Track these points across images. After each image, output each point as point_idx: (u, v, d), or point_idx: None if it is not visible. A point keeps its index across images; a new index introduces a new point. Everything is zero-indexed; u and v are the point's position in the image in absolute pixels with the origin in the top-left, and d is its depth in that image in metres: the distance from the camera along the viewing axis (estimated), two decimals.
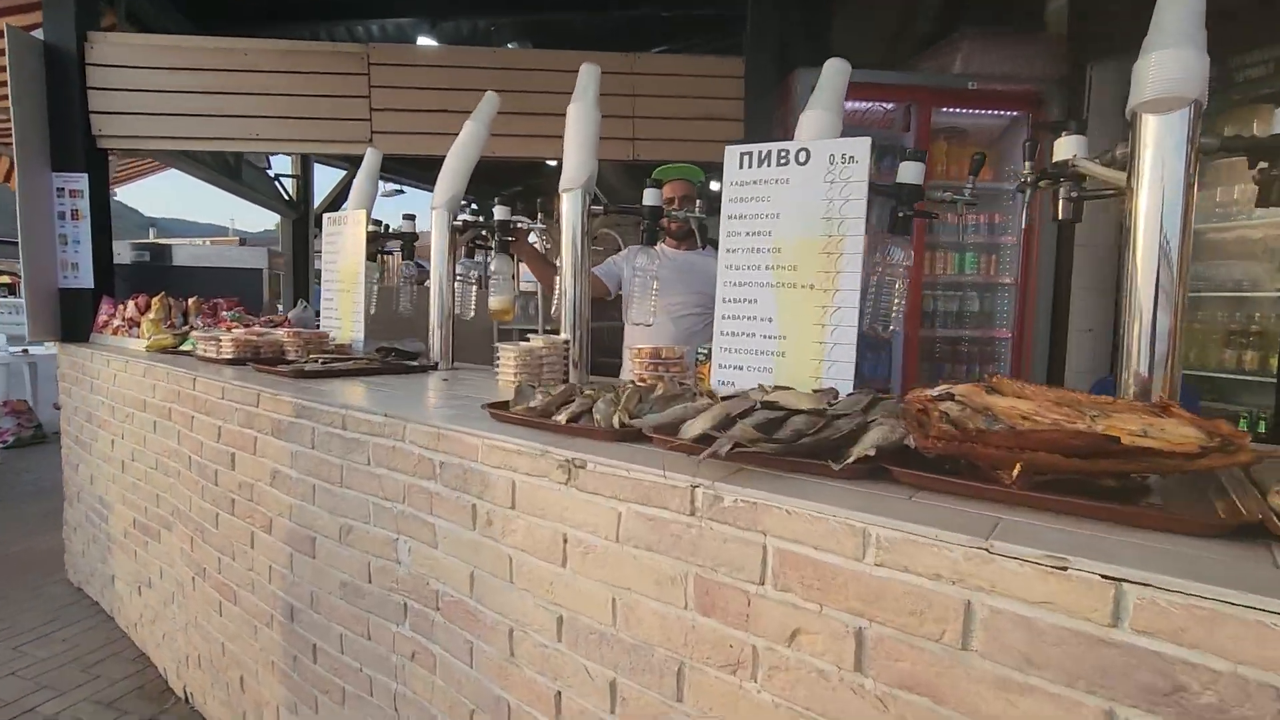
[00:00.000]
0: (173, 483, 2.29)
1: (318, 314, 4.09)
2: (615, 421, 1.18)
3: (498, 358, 1.91)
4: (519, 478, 1.16)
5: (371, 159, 2.85)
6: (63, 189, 3.25)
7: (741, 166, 1.59)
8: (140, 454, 2.49)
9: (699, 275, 2.49)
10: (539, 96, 3.31)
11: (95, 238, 3.34)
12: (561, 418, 1.21)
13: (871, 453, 0.88)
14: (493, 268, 2.40)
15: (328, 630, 1.61)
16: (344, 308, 2.71)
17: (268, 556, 1.81)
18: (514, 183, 9.79)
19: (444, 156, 2.40)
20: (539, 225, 2.37)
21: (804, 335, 1.50)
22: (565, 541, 1.08)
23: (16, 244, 3.15)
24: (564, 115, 1.95)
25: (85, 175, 3.27)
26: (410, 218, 2.87)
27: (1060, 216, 1.38)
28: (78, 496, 3.16)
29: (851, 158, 1.45)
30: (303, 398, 1.66)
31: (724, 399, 1.24)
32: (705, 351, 1.71)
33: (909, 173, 1.54)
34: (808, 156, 1.51)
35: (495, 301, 2.39)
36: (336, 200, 7.67)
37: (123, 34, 3.57)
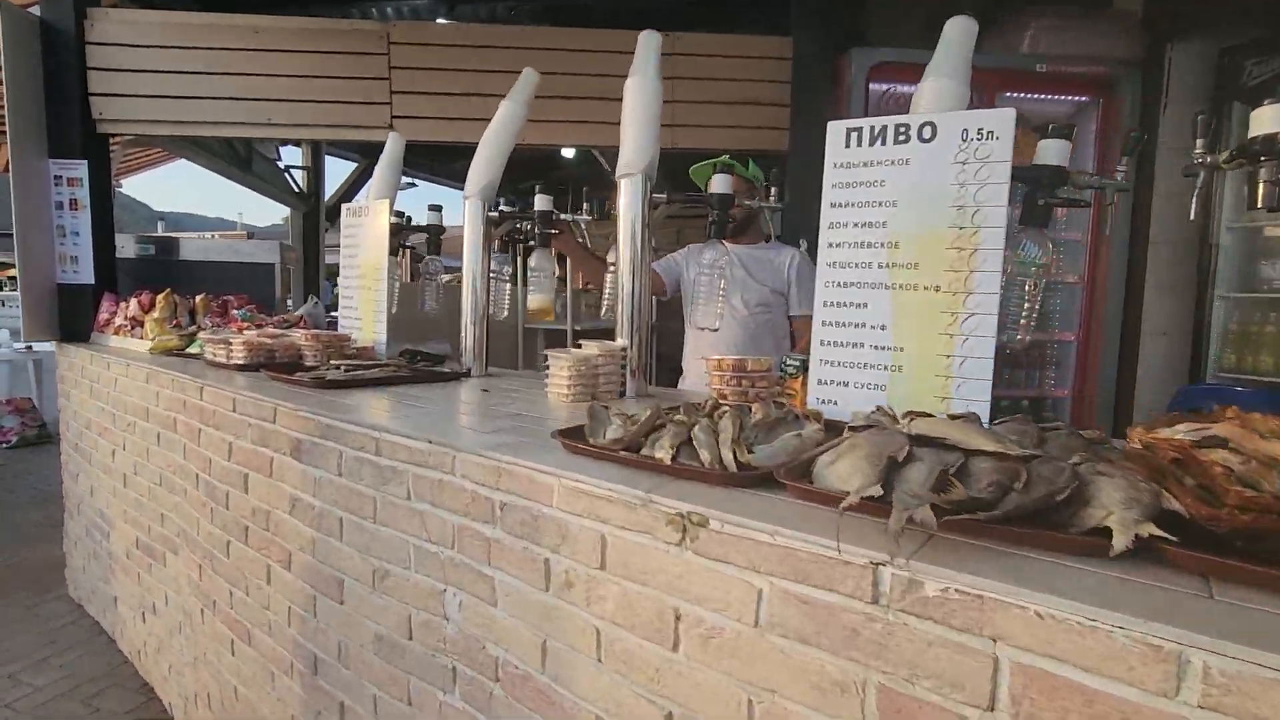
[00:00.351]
0: (178, 501, 2.07)
1: (329, 309, 3.86)
2: (729, 460, 0.94)
3: (546, 366, 1.67)
4: (611, 532, 0.92)
5: (394, 145, 2.61)
6: (60, 177, 3.02)
7: (849, 145, 1.34)
8: (143, 468, 2.27)
9: (767, 272, 2.25)
10: (568, 79, 3.07)
11: (96, 230, 3.11)
12: (661, 454, 0.96)
13: (1151, 530, 0.63)
14: (533, 264, 2.16)
15: (358, 689, 1.38)
16: (365, 306, 2.47)
17: (286, 596, 1.58)
18: (528, 177, 9.54)
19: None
20: (586, 217, 2.12)
21: (926, 346, 1.25)
22: (677, 619, 0.84)
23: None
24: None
25: (84, 163, 3.04)
26: (437, 209, 2.63)
27: (1261, 204, 1.12)
28: (78, 509, 2.94)
29: (990, 133, 1.20)
30: (327, 414, 1.42)
31: (852, 429, 1.00)
32: (795, 363, 1.47)
33: (1052, 152, 1.29)
34: (934, 132, 1.26)
35: (535, 300, 2.15)
36: (348, 193, 7.44)
37: (125, 10, 3.33)
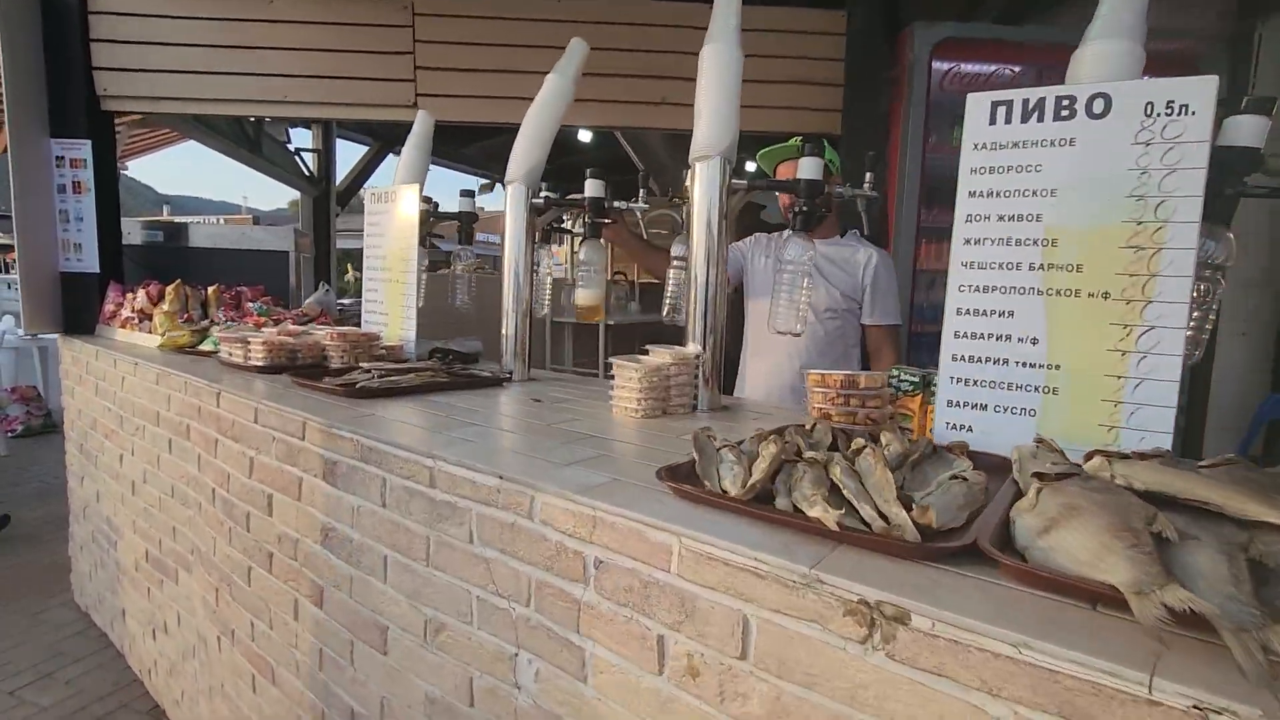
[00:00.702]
0: (192, 516, 1.88)
1: (340, 296, 3.65)
2: (902, 521, 0.73)
3: (611, 376, 1.47)
4: (757, 614, 0.71)
5: (423, 124, 2.39)
6: (62, 158, 2.80)
7: (994, 121, 1.12)
8: (153, 476, 2.08)
9: (842, 273, 2.02)
10: (606, 55, 2.84)
11: (101, 215, 2.91)
12: (818, 512, 0.75)
13: None
14: (582, 257, 1.95)
15: None
16: (392, 301, 2.27)
17: (318, 637, 1.39)
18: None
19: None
20: (642, 205, 1.91)
21: (1091, 365, 1.04)
22: None
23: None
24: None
25: (88, 142, 2.83)
26: (469, 194, 2.41)
27: None
28: (84, 512, 2.76)
29: (1184, 108, 0.99)
30: (366, 434, 1.22)
31: (1040, 476, 0.79)
32: (913, 379, 1.26)
33: (1245, 131, 1.07)
34: (1107, 106, 1.04)
35: (585, 297, 1.94)
36: (359, 177, 7.22)
37: None
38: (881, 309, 2.06)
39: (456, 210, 2.42)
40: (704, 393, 1.53)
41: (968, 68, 3.00)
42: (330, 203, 6.80)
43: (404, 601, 1.16)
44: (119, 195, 3.04)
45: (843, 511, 0.74)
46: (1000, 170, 1.11)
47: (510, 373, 1.94)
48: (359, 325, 2.34)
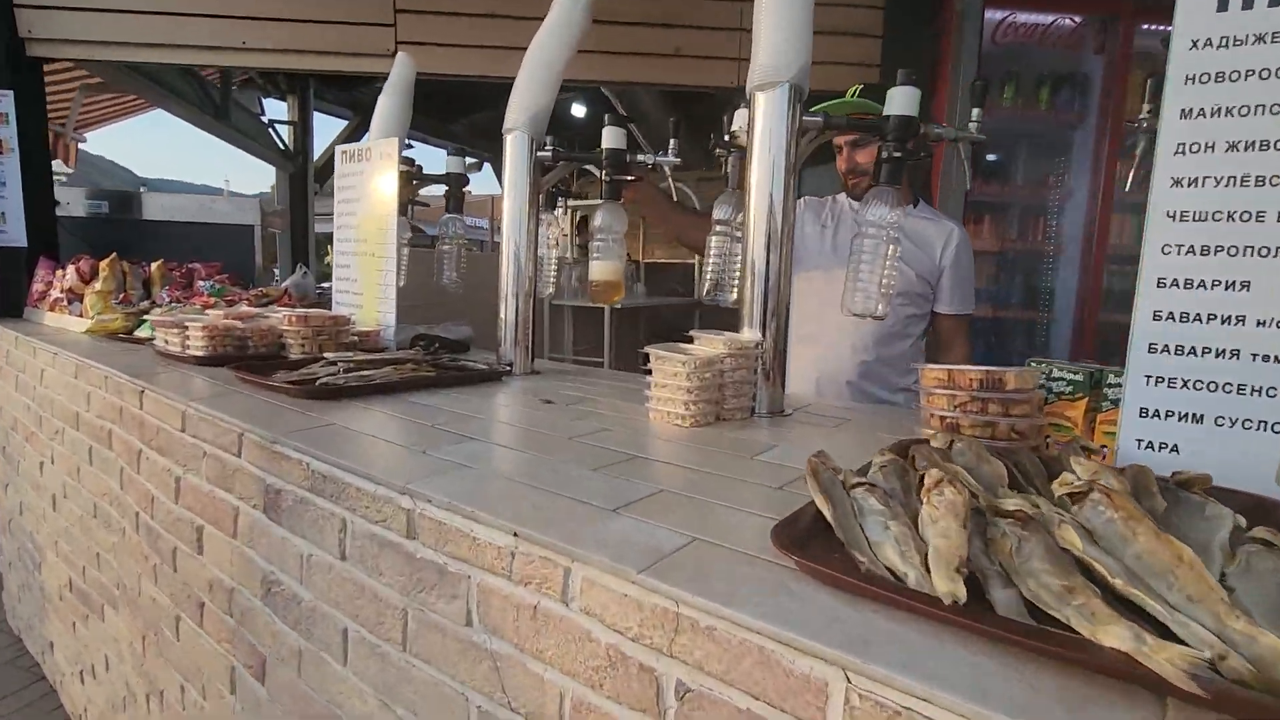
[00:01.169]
0: (116, 543, 1.52)
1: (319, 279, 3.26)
2: (1241, 669, 0.39)
3: (647, 370, 1.12)
4: None
5: (404, 69, 2.02)
6: None
7: (1224, 7, 0.77)
8: (74, 490, 1.71)
9: (917, 250, 1.68)
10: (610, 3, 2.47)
11: (30, 179, 2.51)
12: (1116, 640, 0.41)
13: None
14: (598, 223, 1.59)
15: None
16: (367, 279, 1.91)
17: (261, 719, 1.04)
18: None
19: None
20: (671, 158, 1.55)
21: None
22: None
23: None
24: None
25: (10, 94, 2.42)
26: (460, 153, 2.05)
27: None
28: (9, 525, 2.38)
29: None
30: (318, 454, 0.87)
31: None
32: (1075, 377, 0.92)
33: None
34: None
35: (601, 271, 1.59)
36: None
37: None
38: (961, 295, 1.72)
39: (444, 172, 2.05)
40: (765, 389, 1.19)
41: (1025, 17, 2.66)
42: (308, 180, 6.35)
43: (371, 696, 0.82)
44: (50, 157, 2.64)
45: (1163, 649, 0.40)
46: (1228, 79, 0.77)
47: (510, 365, 1.59)
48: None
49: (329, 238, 2.07)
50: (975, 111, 1.22)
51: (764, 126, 1.17)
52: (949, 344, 1.78)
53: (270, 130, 6.10)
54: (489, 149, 7.13)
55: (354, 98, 6.37)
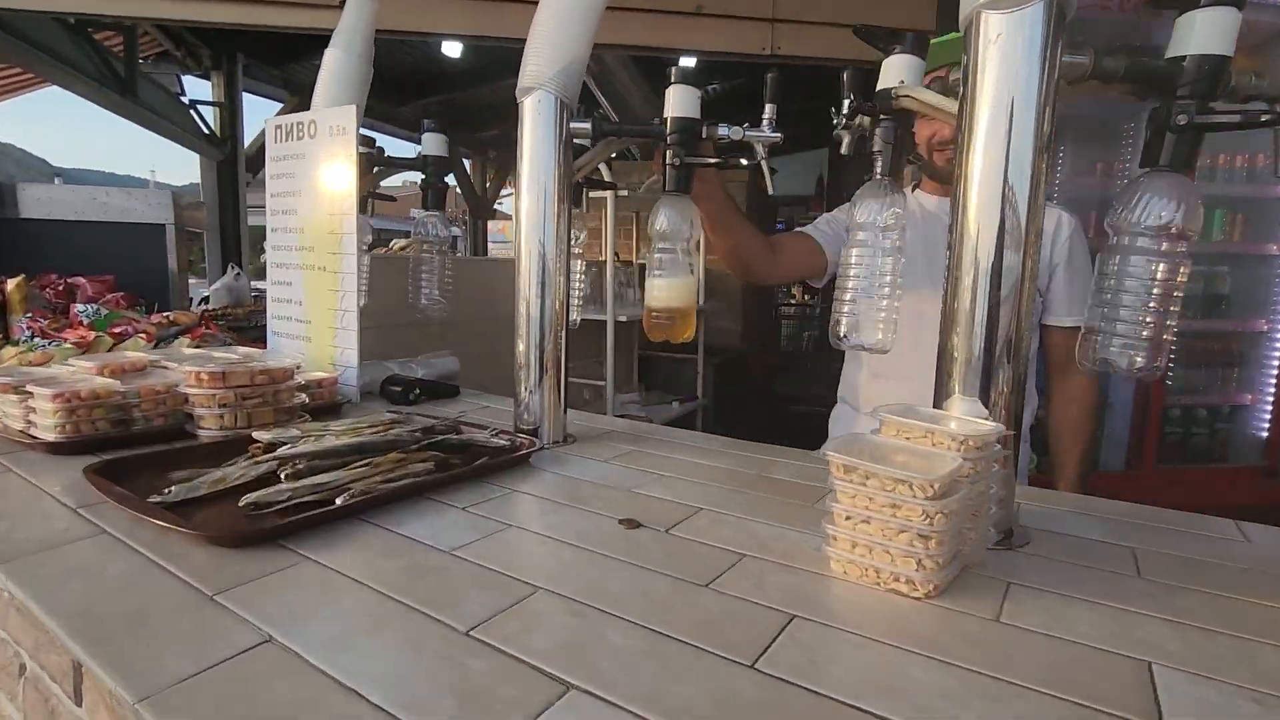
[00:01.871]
0: None
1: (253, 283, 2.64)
2: None
3: (832, 486, 0.65)
4: None
5: (359, 12, 1.48)
6: None
7: None
8: None
9: None
10: None
11: None
12: None
13: None
14: (659, 226, 1.09)
15: None
16: (316, 302, 1.38)
17: None
18: (483, 122, 7.90)
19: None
20: (770, 134, 1.07)
21: None
22: None
23: None
24: None
25: None
26: (436, 130, 1.53)
27: None
28: None
29: None
30: None
31: None
32: None
33: None
34: None
35: (668, 294, 1.10)
36: None
37: None
38: (1078, 302, 1.30)
39: (415, 155, 1.54)
40: (995, 511, 0.73)
41: None
42: (238, 168, 5.61)
43: None
44: None
45: None
46: None
47: (535, 432, 1.09)
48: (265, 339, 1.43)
49: (264, 234, 1.53)
50: None
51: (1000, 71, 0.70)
52: (1063, 367, 1.37)
53: (193, 113, 5.34)
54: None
55: (289, 73, 5.67)
